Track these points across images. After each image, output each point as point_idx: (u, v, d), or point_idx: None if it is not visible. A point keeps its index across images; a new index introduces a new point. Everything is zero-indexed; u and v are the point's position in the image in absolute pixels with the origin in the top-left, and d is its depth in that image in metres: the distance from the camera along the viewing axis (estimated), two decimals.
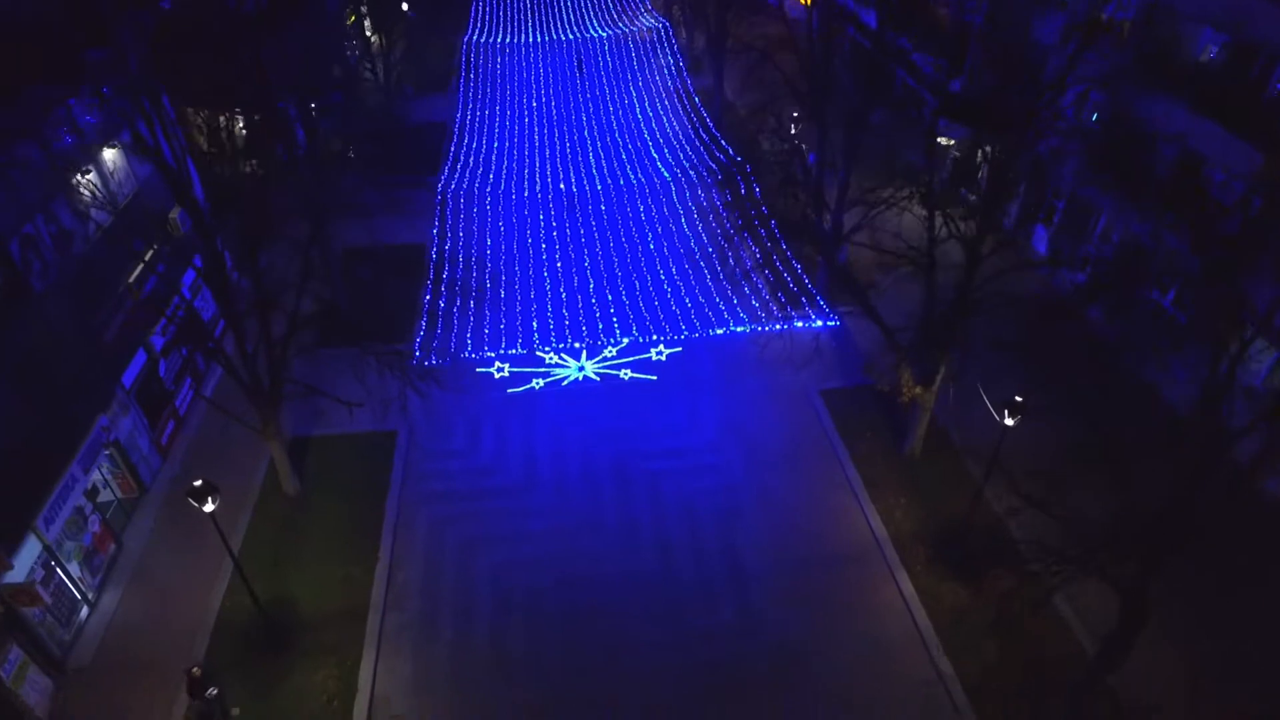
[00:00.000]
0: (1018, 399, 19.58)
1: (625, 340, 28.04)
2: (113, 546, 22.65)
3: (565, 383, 27.10)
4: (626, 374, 27.21)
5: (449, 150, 43.68)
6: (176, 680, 19.60)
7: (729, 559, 22.76)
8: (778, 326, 29.30)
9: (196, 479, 18.06)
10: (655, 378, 27.55)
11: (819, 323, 30.83)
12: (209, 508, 17.52)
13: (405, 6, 55.11)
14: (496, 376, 27.30)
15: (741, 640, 20.77)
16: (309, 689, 19.63)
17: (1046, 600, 20.53)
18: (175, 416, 26.66)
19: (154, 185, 25.32)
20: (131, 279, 24.64)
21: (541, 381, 26.91)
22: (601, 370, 27.52)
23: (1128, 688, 19.00)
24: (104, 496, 23.31)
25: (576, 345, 27.89)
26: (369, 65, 48.17)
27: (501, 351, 28.19)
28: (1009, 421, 19.77)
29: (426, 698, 19.65)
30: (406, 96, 49.48)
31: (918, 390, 23.56)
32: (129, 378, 24.02)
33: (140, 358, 24.78)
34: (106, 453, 22.78)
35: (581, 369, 26.78)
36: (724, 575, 22.37)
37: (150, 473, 24.92)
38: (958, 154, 37.89)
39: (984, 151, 36.17)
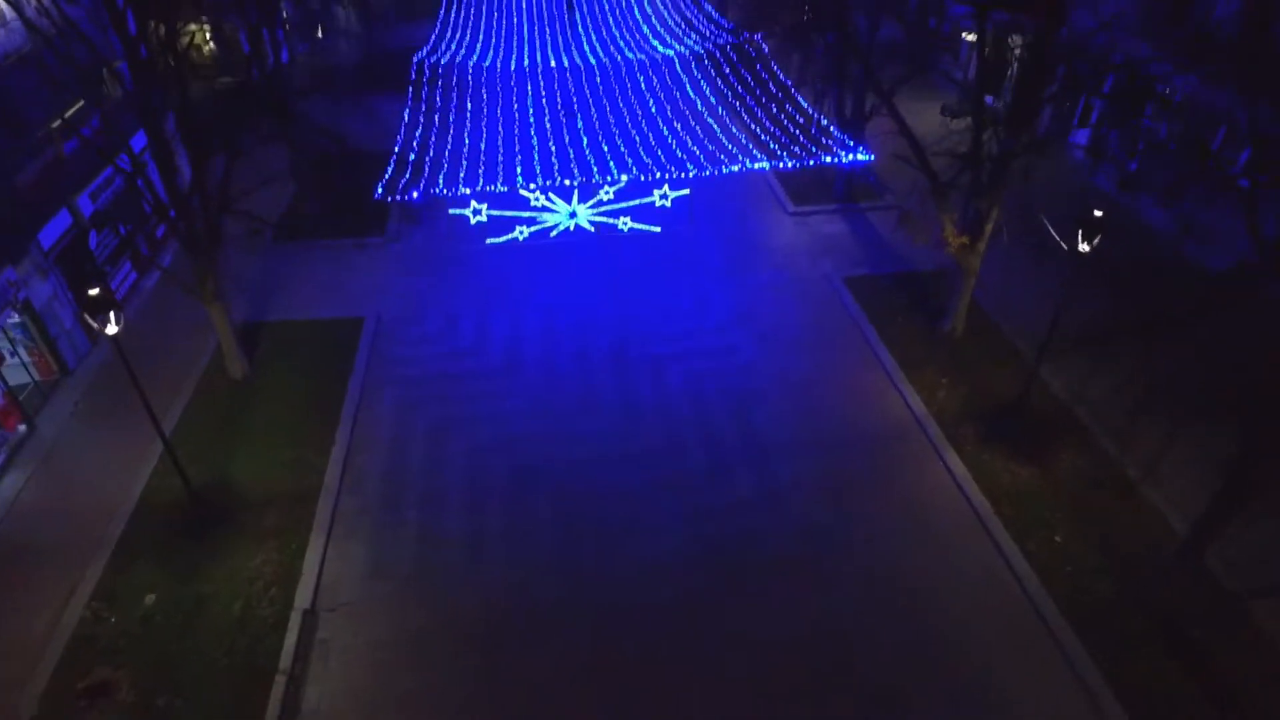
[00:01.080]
0: (1096, 213, 16.07)
1: (624, 178, 23.65)
2: (21, 427, 19.08)
3: (554, 233, 23.21)
4: (626, 223, 23.56)
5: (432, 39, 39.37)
6: (80, 566, 16.07)
7: (745, 438, 19.22)
8: (801, 163, 25.15)
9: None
10: (659, 229, 23.54)
11: (848, 157, 25.97)
12: (111, 329, 13.93)
13: None
14: (473, 221, 23.54)
15: (765, 520, 17.21)
16: (242, 573, 16.05)
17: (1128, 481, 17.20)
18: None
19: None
20: (55, 125, 21.13)
21: (526, 230, 23.21)
22: (596, 218, 23.51)
23: (1228, 570, 15.49)
24: (18, 378, 19.79)
25: (568, 183, 23.56)
26: None
27: (480, 188, 23.67)
28: (1084, 246, 16.25)
29: (384, 583, 16.08)
30: (387, 23, 46.20)
31: (963, 240, 20.07)
32: (48, 238, 20.48)
33: (64, 219, 21.23)
34: (16, 317, 19.24)
35: (573, 215, 23.05)
36: (740, 453, 18.81)
37: (75, 355, 21.36)
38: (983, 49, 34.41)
39: (1013, 42, 33.15)
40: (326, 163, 30.15)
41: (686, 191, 23.91)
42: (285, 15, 40.82)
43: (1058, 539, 16.55)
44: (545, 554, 16.66)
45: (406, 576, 16.20)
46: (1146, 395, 19.84)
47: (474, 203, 22.67)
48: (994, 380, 20.57)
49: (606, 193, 22.75)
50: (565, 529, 17.18)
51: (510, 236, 23.19)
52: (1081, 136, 31.31)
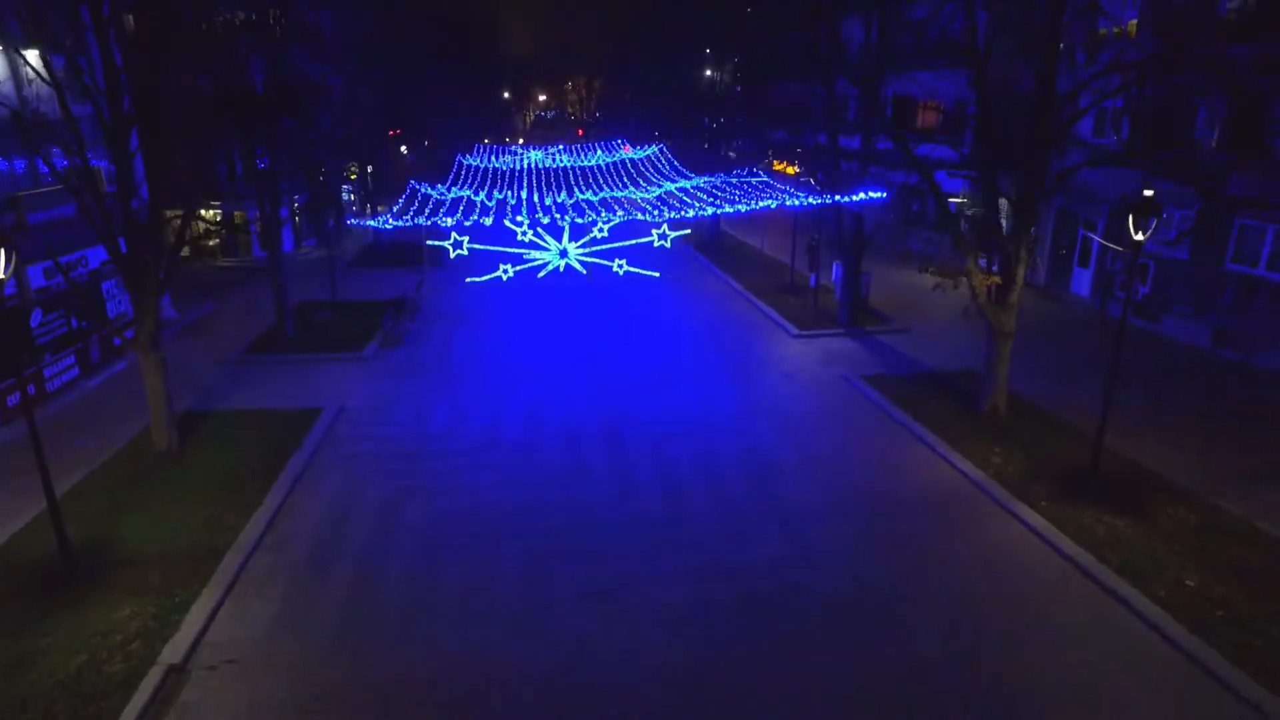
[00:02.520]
0: (1147, 192, 14.05)
1: (617, 217, 21.13)
2: None
3: (543, 274, 20.46)
4: (621, 266, 20.99)
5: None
6: None
7: (767, 501, 15.47)
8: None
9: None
10: (658, 274, 20.82)
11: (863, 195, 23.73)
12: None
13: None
14: (453, 254, 20.94)
15: (805, 576, 13.07)
16: (97, 628, 11.56)
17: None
18: (39, 385, 20.15)
19: None
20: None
21: (511, 269, 20.60)
22: (587, 257, 20.81)
23: None
24: None
25: (560, 220, 21.07)
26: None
27: (460, 221, 21.02)
28: (1140, 236, 14.05)
29: (289, 641, 11.56)
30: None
31: (994, 279, 17.83)
32: None
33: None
34: None
35: (564, 254, 20.58)
36: (762, 513, 15.00)
37: None
38: (970, 213, 34.71)
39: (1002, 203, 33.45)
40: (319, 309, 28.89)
41: (687, 231, 21.93)
42: (296, 207, 42.05)
43: (1189, 583, 12.36)
44: (508, 613, 12.33)
45: (321, 635, 11.74)
46: (1233, 455, 16.47)
47: (454, 234, 20.57)
48: (1052, 449, 17.21)
49: (601, 230, 20.76)
50: (537, 586, 12.96)
51: (494, 275, 20.73)
52: (1084, 281, 30.39)
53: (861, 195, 26.31)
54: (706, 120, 54.02)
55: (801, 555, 13.72)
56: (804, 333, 26.34)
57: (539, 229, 21.00)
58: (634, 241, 22.35)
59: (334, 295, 29.62)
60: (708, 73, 69.79)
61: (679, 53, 61.52)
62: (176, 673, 10.85)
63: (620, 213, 21.51)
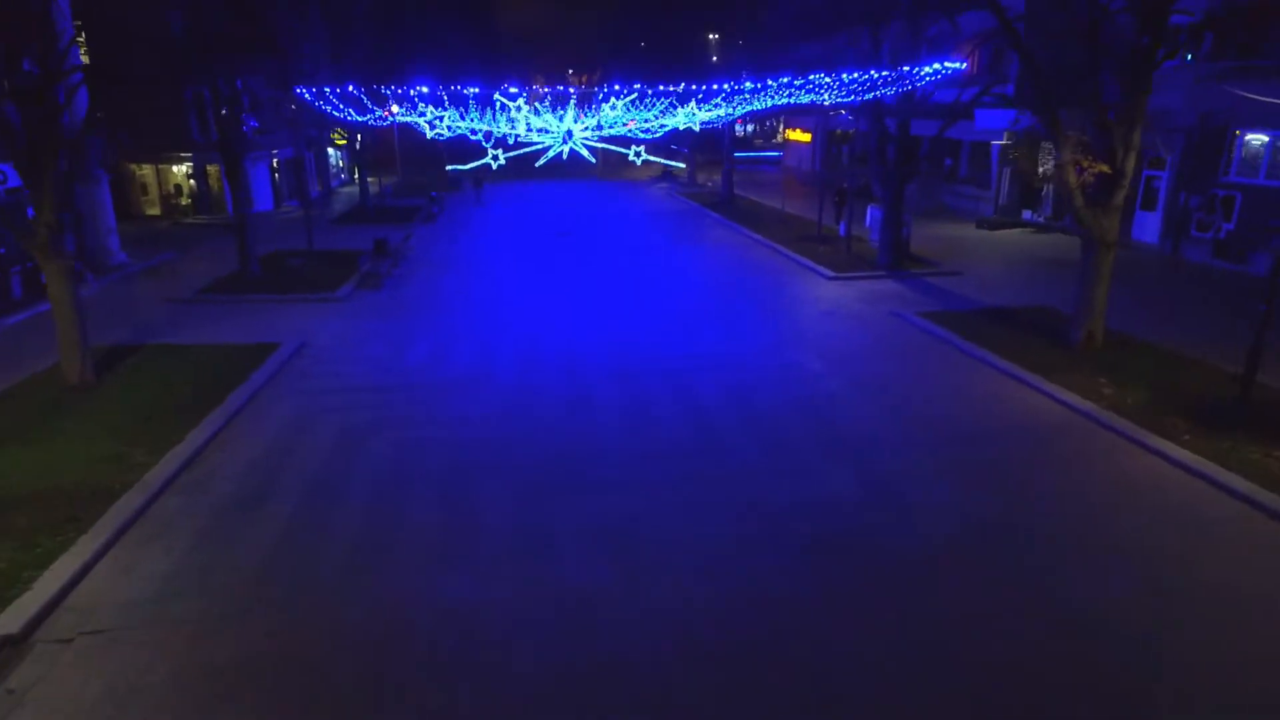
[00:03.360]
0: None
1: (632, 92, 17.42)
2: None
3: (542, 161, 16.90)
4: (639, 153, 17.56)
5: None
6: None
7: (820, 430, 12.13)
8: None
9: None
10: (684, 168, 17.26)
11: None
12: None
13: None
14: (429, 135, 17.51)
15: (881, 516, 9.71)
16: None
17: None
18: None
19: None
20: None
21: (502, 155, 17.13)
22: (594, 142, 17.12)
23: None
24: None
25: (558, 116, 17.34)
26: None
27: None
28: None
29: (183, 608, 8.16)
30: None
31: (1099, 170, 14.44)
32: None
33: None
34: None
35: (568, 137, 17.11)
36: (817, 444, 11.66)
37: None
38: (1013, 156, 31.22)
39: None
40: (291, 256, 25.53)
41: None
42: (276, 164, 38.72)
43: None
44: (491, 561, 8.94)
45: (233, 595, 8.34)
46: None
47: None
48: (1173, 381, 13.81)
49: (613, 108, 17.14)
50: (531, 529, 9.58)
51: (481, 163, 17.16)
52: (1149, 226, 26.96)
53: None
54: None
55: (878, 490, 10.33)
56: (840, 274, 22.94)
57: (540, 114, 17.46)
58: (648, 133, 18.84)
59: (310, 245, 26.26)
60: (712, 37, 66.64)
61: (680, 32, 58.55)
62: (11, 646, 7.46)
63: (637, 87, 17.88)
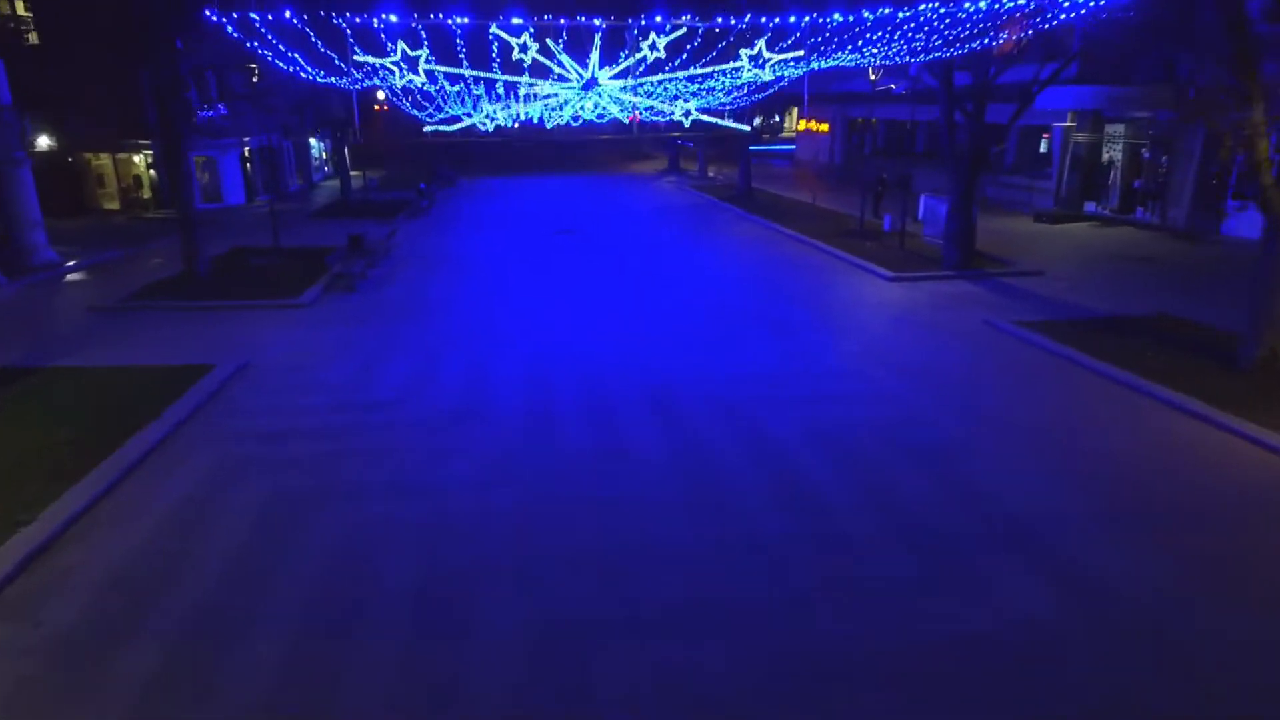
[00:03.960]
0: None
1: (673, 32, 13.45)
2: None
3: (556, 121, 13.10)
4: (689, 111, 13.56)
5: None
6: None
7: (980, 511, 8.33)
8: None
9: None
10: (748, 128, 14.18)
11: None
12: None
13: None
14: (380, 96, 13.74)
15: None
16: None
17: None
18: None
19: None
20: None
21: (499, 113, 12.94)
22: (625, 94, 12.96)
23: None
24: None
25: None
26: None
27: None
28: None
29: None
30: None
31: None
32: None
33: None
34: None
35: (590, 84, 13.07)
36: (992, 538, 7.85)
37: None
38: (1080, 141, 27.50)
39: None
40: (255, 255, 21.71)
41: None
42: (248, 154, 34.80)
43: None
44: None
45: None
46: None
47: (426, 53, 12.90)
48: None
49: (645, 51, 12.72)
50: (569, 692, 5.78)
51: (466, 125, 13.21)
52: (1248, 221, 23.23)
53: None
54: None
55: (1147, 643, 6.53)
56: (901, 275, 19.18)
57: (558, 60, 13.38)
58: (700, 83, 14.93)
59: (276, 241, 22.42)
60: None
61: None
62: None
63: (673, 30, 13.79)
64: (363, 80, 17.66)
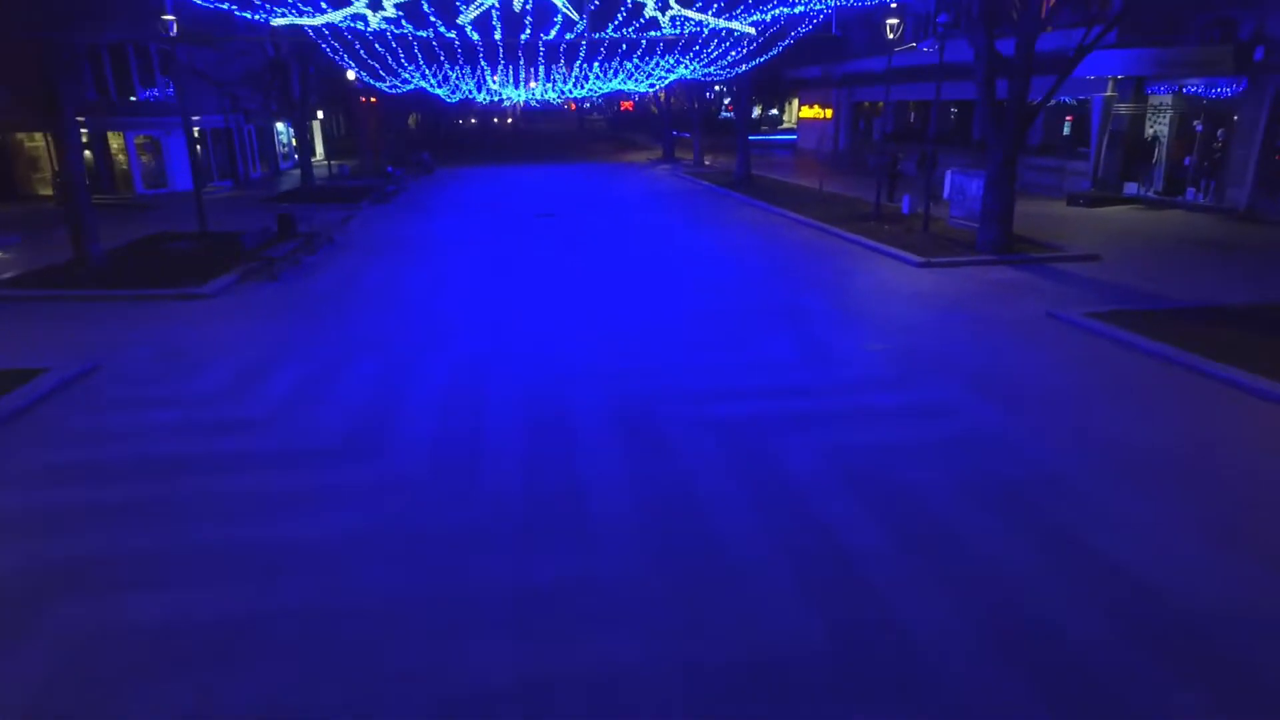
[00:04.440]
0: None
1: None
2: None
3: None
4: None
5: None
6: None
7: (1144, 624, 5.17)
8: None
9: None
10: None
11: None
12: None
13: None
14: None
15: None
16: None
17: None
18: None
19: None
20: None
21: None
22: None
23: None
24: None
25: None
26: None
27: None
28: None
29: None
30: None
31: None
32: None
33: None
34: None
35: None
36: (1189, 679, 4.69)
37: None
38: (1122, 113, 24.29)
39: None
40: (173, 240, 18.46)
41: None
42: (198, 135, 31.52)
43: None
44: None
45: None
46: None
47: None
48: None
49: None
50: None
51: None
52: None
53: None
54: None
55: None
56: (932, 260, 15.99)
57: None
58: None
59: (202, 224, 19.23)
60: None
61: None
62: None
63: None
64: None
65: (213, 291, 14.14)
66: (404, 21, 15.81)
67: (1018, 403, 8.63)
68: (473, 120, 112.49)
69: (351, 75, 34.11)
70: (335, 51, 24.07)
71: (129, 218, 24.10)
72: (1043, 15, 16.46)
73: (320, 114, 47.82)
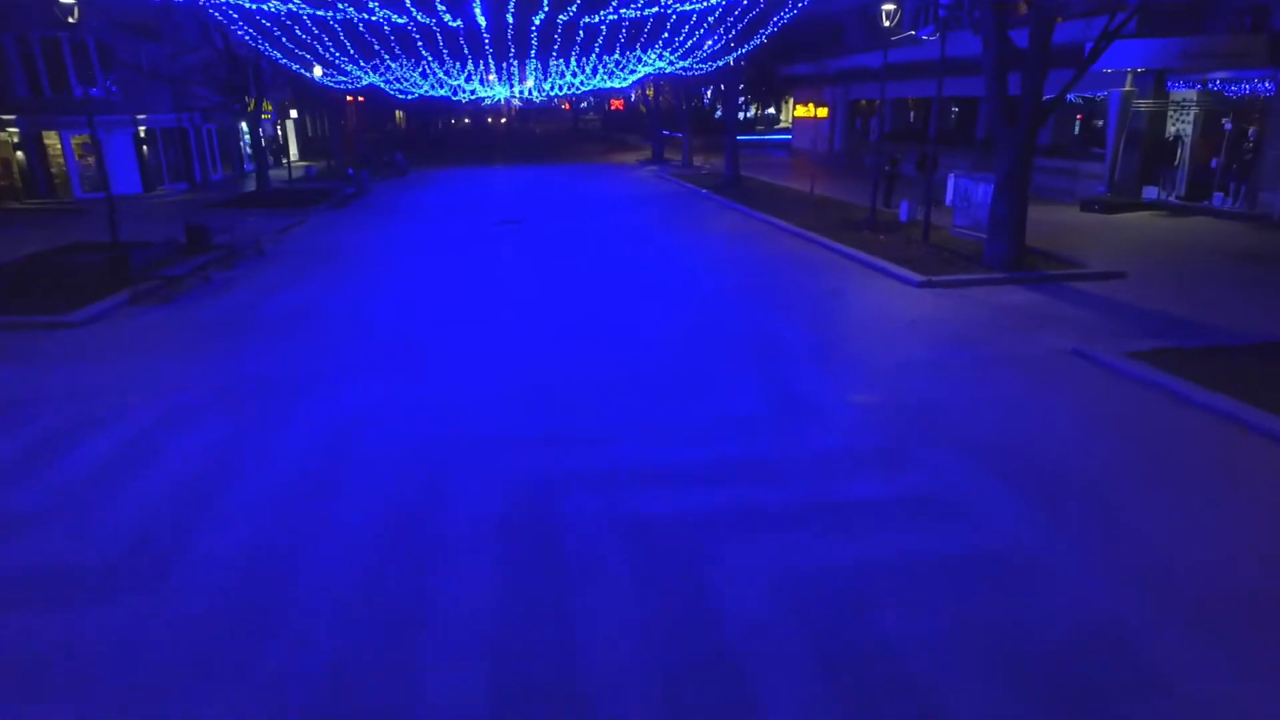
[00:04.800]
0: None
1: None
2: None
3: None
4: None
5: None
6: None
7: None
8: None
9: None
10: None
11: None
12: None
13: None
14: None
15: None
16: None
17: None
18: None
19: None
20: None
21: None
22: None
23: None
24: None
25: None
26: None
27: None
28: None
29: None
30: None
31: None
32: None
33: None
34: None
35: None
36: None
37: None
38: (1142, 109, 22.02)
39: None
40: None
41: None
42: (144, 134, 29.33)
43: None
44: None
45: None
46: None
47: None
48: None
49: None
50: None
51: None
52: None
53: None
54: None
55: None
56: (933, 279, 13.76)
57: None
58: None
59: (114, 234, 17.04)
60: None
61: None
62: None
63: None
64: None
65: (84, 319, 11.95)
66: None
67: (1051, 494, 6.42)
68: (466, 121, 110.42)
69: (319, 71, 31.98)
70: (269, 41, 21.89)
71: (54, 225, 21.95)
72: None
73: (294, 113, 45.74)
